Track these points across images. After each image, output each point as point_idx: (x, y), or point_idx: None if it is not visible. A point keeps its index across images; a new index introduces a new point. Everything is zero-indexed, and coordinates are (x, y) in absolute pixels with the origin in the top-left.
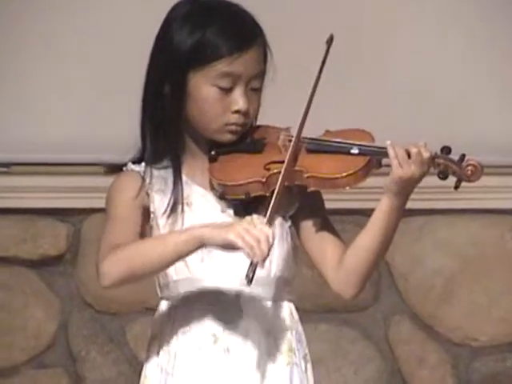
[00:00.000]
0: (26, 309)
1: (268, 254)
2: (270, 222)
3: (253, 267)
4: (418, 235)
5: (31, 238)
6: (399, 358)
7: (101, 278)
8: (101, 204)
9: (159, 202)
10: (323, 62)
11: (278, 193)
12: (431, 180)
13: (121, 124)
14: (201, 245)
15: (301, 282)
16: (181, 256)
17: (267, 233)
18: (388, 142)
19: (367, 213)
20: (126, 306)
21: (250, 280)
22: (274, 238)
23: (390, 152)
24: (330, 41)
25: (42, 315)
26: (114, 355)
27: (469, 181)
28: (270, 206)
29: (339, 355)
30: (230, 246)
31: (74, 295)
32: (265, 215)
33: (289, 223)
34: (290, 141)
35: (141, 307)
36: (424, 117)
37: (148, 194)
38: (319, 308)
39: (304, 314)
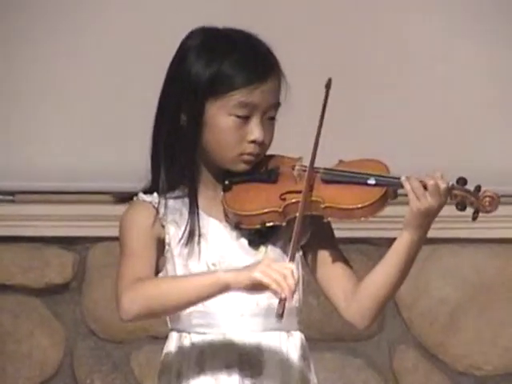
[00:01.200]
0: (31, 337)
1: (295, 289)
2: (293, 257)
3: (282, 303)
4: (423, 264)
5: (37, 266)
6: None
7: (121, 313)
8: (107, 232)
9: (174, 233)
10: (324, 107)
11: (297, 227)
12: None
13: (128, 152)
14: (226, 289)
15: (306, 311)
16: (203, 299)
17: (291, 267)
18: (403, 178)
19: (371, 241)
20: (130, 334)
21: (281, 316)
22: (298, 273)
23: (406, 185)
24: (328, 85)
25: (48, 343)
26: (119, 383)
27: (486, 212)
28: (292, 241)
29: None
30: (256, 286)
31: (79, 323)
32: (284, 250)
33: (299, 253)
34: (305, 171)
35: (145, 335)
36: (437, 147)
37: (163, 226)
38: (325, 337)
39: (310, 342)
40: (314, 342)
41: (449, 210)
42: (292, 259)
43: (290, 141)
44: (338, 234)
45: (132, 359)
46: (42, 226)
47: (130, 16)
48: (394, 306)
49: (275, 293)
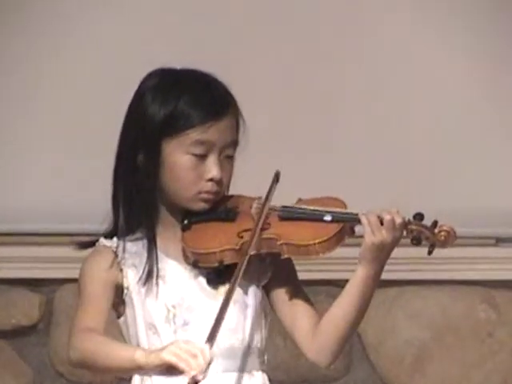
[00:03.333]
0: None
1: (206, 369)
2: (211, 336)
3: (192, 382)
4: (389, 306)
5: (3, 307)
6: None
7: (69, 354)
8: (73, 274)
9: (133, 277)
10: (267, 197)
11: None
12: (402, 251)
13: (93, 193)
14: (139, 369)
15: (273, 352)
16: (123, 373)
17: (203, 348)
18: (360, 212)
19: (340, 284)
20: (98, 376)
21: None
22: (212, 355)
23: (363, 219)
24: (275, 178)
25: None
26: None
27: (442, 246)
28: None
29: None
30: (167, 367)
31: (46, 365)
32: (243, 289)
33: (261, 292)
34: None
35: (113, 377)
36: (396, 184)
37: (121, 270)
38: (291, 379)
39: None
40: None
41: (414, 251)
42: (211, 337)
43: (249, 180)
44: (304, 275)
45: None
46: (8, 268)
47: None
48: (361, 348)
49: (185, 372)
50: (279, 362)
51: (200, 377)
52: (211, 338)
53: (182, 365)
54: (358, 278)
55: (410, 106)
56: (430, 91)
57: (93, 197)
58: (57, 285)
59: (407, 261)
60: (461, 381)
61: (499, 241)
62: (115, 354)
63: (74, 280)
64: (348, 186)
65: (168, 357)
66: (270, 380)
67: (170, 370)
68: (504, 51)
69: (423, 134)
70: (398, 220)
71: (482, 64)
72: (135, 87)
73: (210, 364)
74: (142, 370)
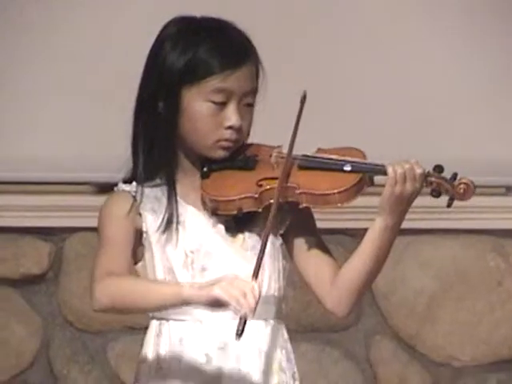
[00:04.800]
0: (7, 327)
1: (255, 307)
2: (256, 272)
3: (242, 321)
4: (400, 255)
5: (13, 256)
6: (381, 378)
7: (92, 302)
8: (83, 223)
9: (152, 222)
10: (298, 121)
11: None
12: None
13: (107, 142)
14: (186, 304)
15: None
16: (163, 309)
17: (253, 285)
18: (387, 164)
19: (350, 233)
20: (107, 324)
21: (240, 334)
22: (260, 291)
23: (389, 170)
24: (303, 99)
25: (24, 334)
26: (96, 374)
27: (461, 199)
28: (259, 252)
29: (321, 375)
30: (216, 303)
31: (55, 314)
32: (261, 237)
33: (280, 241)
34: (283, 158)
35: (122, 326)
36: (413, 136)
37: (140, 214)
38: (301, 327)
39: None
40: (290, 333)
41: (425, 200)
42: (256, 275)
43: (269, 129)
44: (318, 224)
45: (108, 350)
46: (18, 217)
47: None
48: (371, 297)
49: (235, 310)
50: (289, 312)
51: (250, 315)
52: (256, 276)
53: (232, 302)
54: (376, 228)
55: (424, 56)
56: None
57: (108, 145)
58: (67, 233)
59: (417, 210)
60: (471, 330)
61: (509, 190)
62: (155, 292)
63: (84, 229)
64: (359, 137)
65: (219, 293)
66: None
67: (217, 305)
68: None
69: (432, 84)
70: (419, 170)
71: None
72: (155, 33)
73: (257, 302)
74: (186, 304)
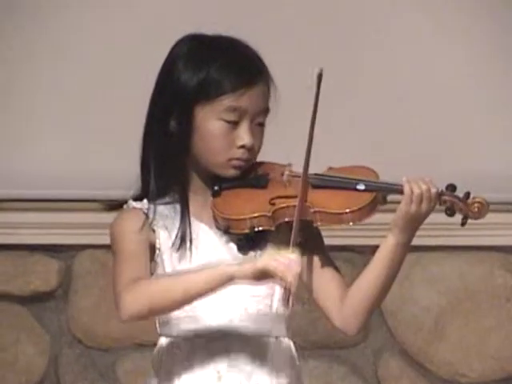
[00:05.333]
0: (16, 345)
1: (297, 278)
2: (294, 245)
3: (287, 291)
4: (408, 272)
5: (22, 273)
6: None
7: (121, 313)
8: (92, 240)
9: (164, 239)
10: (316, 100)
11: (296, 223)
12: None
13: (116, 159)
14: (230, 281)
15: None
16: (205, 293)
17: (294, 257)
18: (404, 179)
19: (357, 249)
20: (116, 341)
21: (287, 305)
22: (300, 262)
23: (406, 188)
24: (320, 76)
25: (33, 351)
26: None
27: (475, 218)
28: (293, 233)
29: None
30: (261, 275)
31: (64, 331)
32: (287, 244)
33: None
34: (294, 176)
35: (131, 343)
36: (424, 152)
37: (153, 230)
38: (309, 344)
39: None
40: (298, 350)
41: (432, 217)
42: (293, 245)
43: (279, 148)
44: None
45: (118, 367)
46: (27, 234)
47: (120, 19)
48: (379, 314)
49: (280, 282)
50: (296, 328)
51: (294, 287)
52: (294, 245)
53: (278, 273)
54: (388, 245)
55: (431, 67)
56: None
57: (116, 163)
58: (76, 251)
59: (425, 226)
60: (478, 347)
61: None
62: (196, 279)
63: (93, 246)
64: (372, 156)
65: (265, 265)
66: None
67: (262, 277)
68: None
69: (446, 100)
70: (433, 190)
71: (486, 25)
72: (167, 48)
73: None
74: (231, 281)
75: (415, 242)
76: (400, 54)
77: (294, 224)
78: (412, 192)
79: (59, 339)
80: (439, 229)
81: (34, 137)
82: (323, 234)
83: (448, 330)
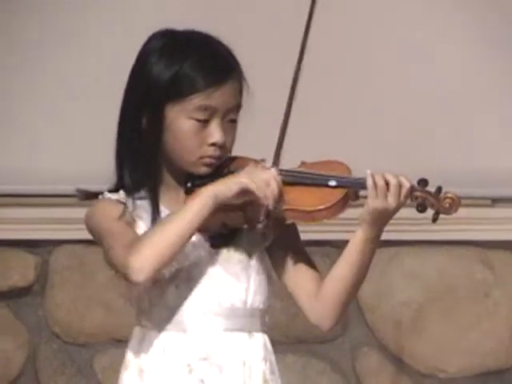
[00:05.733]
0: None
1: (277, 195)
2: (275, 162)
3: (265, 210)
4: (386, 267)
5: (0, 269)
6: None
7: (134, 277)
8: (69, 235)
9: (144, 229)
10: (308, 25)
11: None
12: (398, 212)
13: (92, 155)
14: (216, 201)
15: (270, 313)
16: (200, 222)
17: (274, 174)
18: (368, 172)
19: (335, 244)
20: (93, 336)
21: (264, 224)
22: (280, 182)
23: (369, 181)
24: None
25: (11, 346)
26: None
27: (447, 213)
28: (276, 145)
29: None
30: (243, 193)
31: (42, 326)
32: (247, 252)
33: (265, 254)
34: None
35: (109, 338)
36: (398, 147)
37: (134, 220)
38: (287, 339)
39: (272, 344)
40: (276, 344)
41: (411, 212)
42: (276, 163)
43: (252, 143)
44: (301, 236)
45: (95, 362)
46: (4, 229)
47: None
48: (358, 309)
49: (261, 199)
50: (275, 323)
51: (273, 205)
52: (277, 164)
53: (259, 194)
54: (357, 240)
55: (407, 68)
56: (427, 54)
57: (92, 158)
58: (53, 246)
59: (403, 221)
60: (457, 342)
61: (495, 201)
62: (186, 215)
63: (70, 241)
64: (347, 150)
65: (247, 183)
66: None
67: (244, 195)
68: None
69: (420, 97)
70: (405, 186)
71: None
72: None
73: (280, 190)
74: (217, 203)
75: (393, 236)
76: (379, 47)
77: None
78: (376, 185)
79: (37, 334)
80: (418, 224)
81: (10, 133)
82: (300, 228)
83: (427, 325)
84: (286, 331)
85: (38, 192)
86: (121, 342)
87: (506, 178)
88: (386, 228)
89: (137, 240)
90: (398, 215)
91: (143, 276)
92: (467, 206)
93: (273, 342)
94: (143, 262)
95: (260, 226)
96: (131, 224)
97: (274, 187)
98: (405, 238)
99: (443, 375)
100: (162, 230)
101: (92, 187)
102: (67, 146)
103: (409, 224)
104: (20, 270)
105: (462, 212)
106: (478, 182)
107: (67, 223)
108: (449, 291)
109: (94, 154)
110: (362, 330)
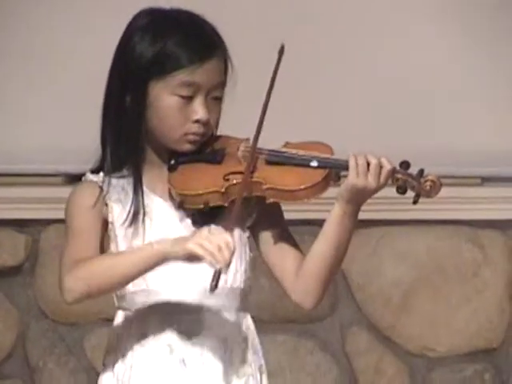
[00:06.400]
0: None
1: (230, 261)
2: (231, 230)
3: (216, 275)
4: (376, 246)
5: None
6: (357, 369)
7: (64, 294)
8: (59, 215)
9: (118, 213)
10: (275, 73)
11: (237, 203)
12: (388, 191)
13: (80, 134)
14: (163, 260)
15: (258, 293)
16: (143, 272)
17: (227, 239)
18: (350, 153)
19: (321, 223)
20: (83, 316)
21: (213, 288)
22: (234, 245)
23: (351, 160)
24: (281, 51)
25: (1, 326)
26: (72, 366)
27: (427, 196)
28: (231, 215)
29: (297, 366)
30: (192, 257)
31: (32, 306)
32: (224, 224)
33: (247, 234)
34: (249, 152)
35: (98, 318)
36: (379, 129)
37: (106, 205)
38: (277, 319)
39: (262, 324)
40: (266, 324)
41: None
42: (230, 230)
43: (238, 121)
44: (289, 215)
45: (85, 341)
46: None
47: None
48: (347, 288)
49: (210, 264)
50: (264, 302)
51: (225, 269)
52: (231, 230)
53: (208, 257)
54: (334, 216)
55: (394, 51)
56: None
57: (80, 136)
58: (43, 225)
59: (392, 201)
60: (446, 320)
61: (485, 180)
62: (133, 259)
63: (60, 221)
64: (334, 130)
65: (194, 248)
66: (253, 320)
67: (193, 259)
68: None
69: (408, 77)
70: (386, 167)
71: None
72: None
73: (233, 254)
74: (165, 261)
75: (382, 215)
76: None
77: (236, 203)
78: (357, 164)
79: (27, 314)
80: (406, 203)
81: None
82: (290, 207)
83: (416, 305)
84: (274, 311)
85: (28, 171)
86: (110, 322)
87: (495, 157)
88: (375, 207)
89: (81, 262)
90: (387, 195)
91: (71, 298)
92: (457, 185)
93: (261, 322)
94: (75, 286)
95: (211, 292)
96: (100, 217)
97: (225, 253)
98: (393, 218)
99: (432, 354)
100: (105, 266)
101: (81, 167)
102: (55, 125)
103: (397, 203)
104: (10, 250)
105: (452, 191)
106: (467, 162)
107: (57, 202)
108: (438, 270)
109: (82, 132)
110: (351, 309)
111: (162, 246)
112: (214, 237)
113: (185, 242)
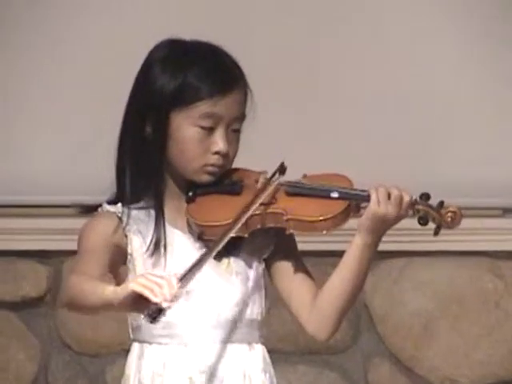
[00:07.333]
0: (6, 351)
1: (172, 298)
2: (183, 276)
3: (153, 307)
4: (397, 277)
5: (12, 279)
6: None
7: (62, 296)
8: None
9: (138, 244)
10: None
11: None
12: (410, 223)
13: (100, 165)
14: (110, 303)
15: (281, 323)
16: (106, 308)
17: (171, 279)
18: (372, 186)
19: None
20: (105, 347)
21: (151, 321)
22: (180, 291)
23: (372, 191)
24: (280, 169)
25: (23, 357)
26: None
27: (449, 227)
28: (189, 267)
29: None
30: (134, 299)
31: (54, 337)
32: (247, 262)
33: (262, 265)
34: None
35: (120, 349)
36: (399, 161)
37: (126, 236)
38: (299, 349)
39: (283, 355)
40: (287, 355)
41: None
42: (182, 278)
43: (255, 154)
44: (310, 246)
45: (107, 373)
46: (16, 240)
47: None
48: (369, 318)
49: (150, 299)
50: (286, 334)
51: (164, 305)
52: (183, 277)
53: (146, 292)
54: (354, 246)
55: (411, 77)
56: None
57: (101, 169)
58: (64, 256)
59: (414, 232)
60: (467, 351)
61: (506, 211)
62: (95, 291)
63: None
64: (350, 162)
65: (135, 286)
66: (269, 351)
67: (138, 302)
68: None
69: (427, 106)
70: (406, 198)
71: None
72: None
73: (176, 297)
74: (113, 305)
75: (403, 247)
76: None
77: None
78: (378, 194)
79: (49, 345)
80: (428, 234)
81: (21, 145)
82: (313, 238)
83: (437, 335)
84: (296, 341)
85: (50, 203)
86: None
87: None
88: (397, 238)
89: (78, 276)
90: (407, 225)
91: (62, 299)
92: (478, 216)
93: (283, 353)
94: (63, 297)
95: (148, 322)
96: (117, 246)
97: (165, 289)
98: (415, 249)
99: None
100: (86, 288)
101: (102, 198)
102: (74, 157)
103: (419, 234)
104: (32, 281)
105: (473, 222)
106: (488, 193)
107: (78, 233)
108: (459, 301)
109: (101, 163)
110: (373, 340)
111: (110, 290)
112: (157, 277)
113: (127, 284)
